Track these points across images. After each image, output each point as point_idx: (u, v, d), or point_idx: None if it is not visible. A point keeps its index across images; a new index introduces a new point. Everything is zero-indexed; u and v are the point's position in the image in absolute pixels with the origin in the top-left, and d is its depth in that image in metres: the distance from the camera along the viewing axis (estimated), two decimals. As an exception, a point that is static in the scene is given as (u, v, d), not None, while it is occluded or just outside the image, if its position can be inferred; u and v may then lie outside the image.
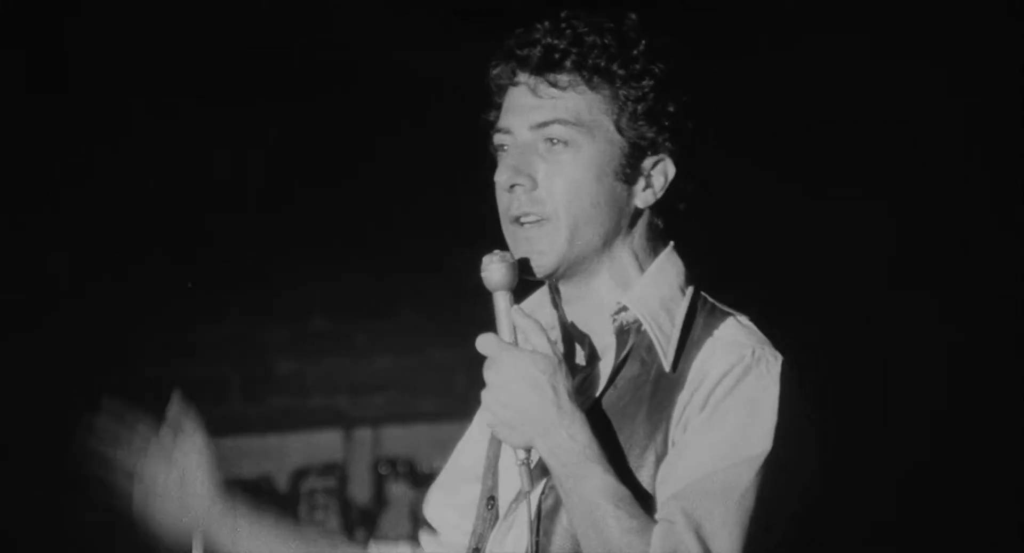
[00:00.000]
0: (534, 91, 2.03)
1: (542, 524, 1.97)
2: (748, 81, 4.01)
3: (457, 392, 4.76)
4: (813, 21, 4.03)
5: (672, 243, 2.10)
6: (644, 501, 1.92)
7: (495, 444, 2.13)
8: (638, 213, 2.05)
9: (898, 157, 4.14)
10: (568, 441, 1.90)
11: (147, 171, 4.85)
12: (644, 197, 2.04)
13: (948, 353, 4.10)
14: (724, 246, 3.71)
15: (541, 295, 2.12)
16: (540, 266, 2.03)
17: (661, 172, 2.04)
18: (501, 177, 2.03)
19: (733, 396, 1.95)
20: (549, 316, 2.11)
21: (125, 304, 4.96)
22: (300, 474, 4.89)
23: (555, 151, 2.02)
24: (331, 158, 4.84)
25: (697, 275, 2.10)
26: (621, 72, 2.01)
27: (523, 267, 2.03)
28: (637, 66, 2.02)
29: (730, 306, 2.08)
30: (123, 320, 4.98)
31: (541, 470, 1.96)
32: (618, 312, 2.02)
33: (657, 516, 1.90)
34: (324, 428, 4.89)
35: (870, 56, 4.03)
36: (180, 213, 4.89)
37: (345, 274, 4.91)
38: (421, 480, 4.77)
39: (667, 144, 2.03)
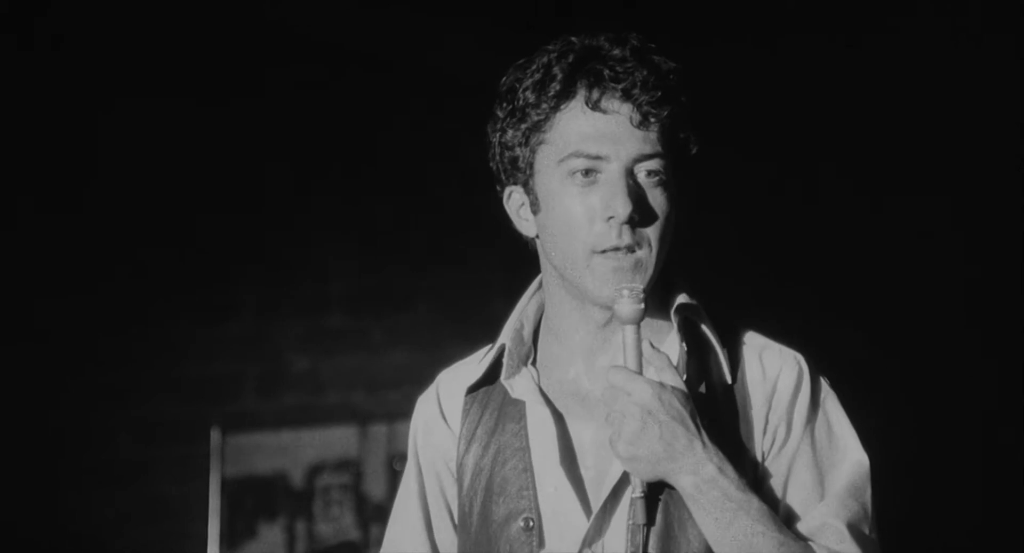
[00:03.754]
0: (631, 120, 2.00)
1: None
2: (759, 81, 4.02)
3: (472, 388, 4.76)
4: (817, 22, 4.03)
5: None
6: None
7: (518, 462, 2.08)
8: None
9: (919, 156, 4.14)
10: (719, 475, 1.89)
11: (163, 169, 4.86)
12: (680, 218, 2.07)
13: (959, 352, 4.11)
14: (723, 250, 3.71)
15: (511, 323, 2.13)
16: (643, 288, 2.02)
17: (684, 191, 2.07)
18: (623, 210, 1.98)
19: (813, 407, 2.00)
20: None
21: (141, 301, 4.97)
22: (315, 470, 4.89)
23: (650, 184, 2.01)
24: (347, 154, 4.85)
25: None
26: (682, 110, 2.03)
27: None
28: (684, 96, 2.04)
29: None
30: (139, 317, 4.98)
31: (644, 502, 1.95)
32: (680, 319, 2.04)
33: (806, 528, 1.94)
34: (339, 424, 4.88)
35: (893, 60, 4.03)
36: (196, 210, 4.89)
37: (361, 270, 4.91)
38: (436, 476, 4.77)
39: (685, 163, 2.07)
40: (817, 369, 2.04)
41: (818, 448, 1.97)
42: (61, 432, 4.98)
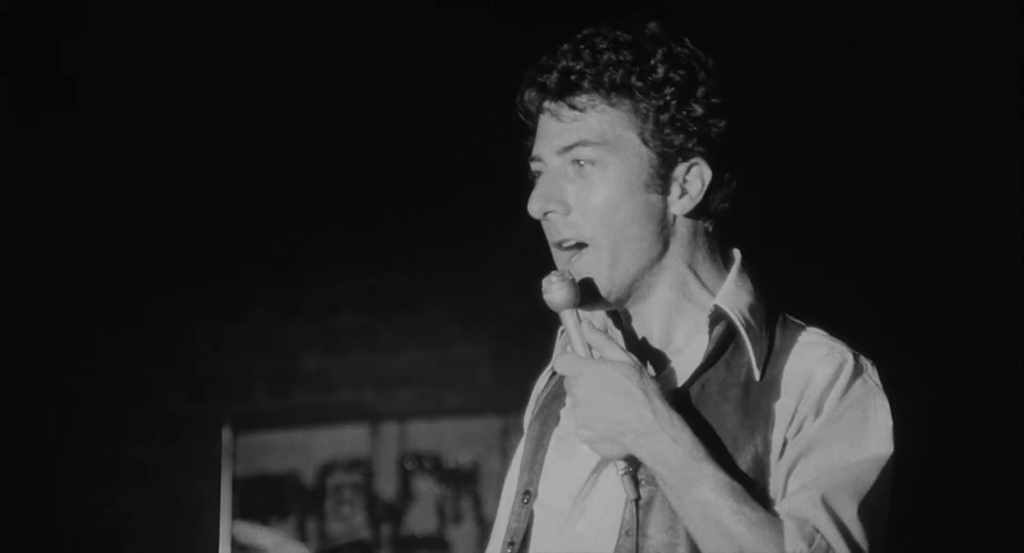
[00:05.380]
0: (557, 116, 2.02)
1: (640, 526, 1.95)
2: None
3: (483, 387, 4.77)
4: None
5: (739, 253, 2.08)
6: (759, 497, 1.92)
7: (533, 441, 2.12)
8: (682, 222, 2.03)
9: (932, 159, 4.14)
10: (673, 445, 1.89)
11: (173, 170, 4.88)
12: (682, 205, 2.02)
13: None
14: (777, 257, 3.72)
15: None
16: (592, 293, 2.01)
17: (697, 176, 2.02)
18: (532, 207, 2.02)
19: (848, 398, 1.96)
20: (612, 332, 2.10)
21: (152, 301, 4.99)
22: (326, 469, 4.89)
23: (584, 173, 2.00)
24: (358, 155, 4.85)
25: (767, 286, 2.08)
26: (639, 84, 1.99)
27: (592, 294, 2.01)
28: (655, 76, 1.99)
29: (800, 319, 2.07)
30: (151, 317, 5.00)
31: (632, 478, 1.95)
32: (712, 313, 2.00)
33: (785, 507, 1.90)
34: (350, 423, 4.89)
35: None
36: (206, 210, 4.91)
37: (371, 270, 4.92)
38: (447, 475, 4.77)
39: (698, 148, 2.01)
40: (874, 371, 2.00)
41: (839, 441, 1.93)
42: (73, 431, 5.00)
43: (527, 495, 2.07)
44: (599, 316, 2.10)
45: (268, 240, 4.96)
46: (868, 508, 1.91)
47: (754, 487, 1.92)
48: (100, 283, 4.99)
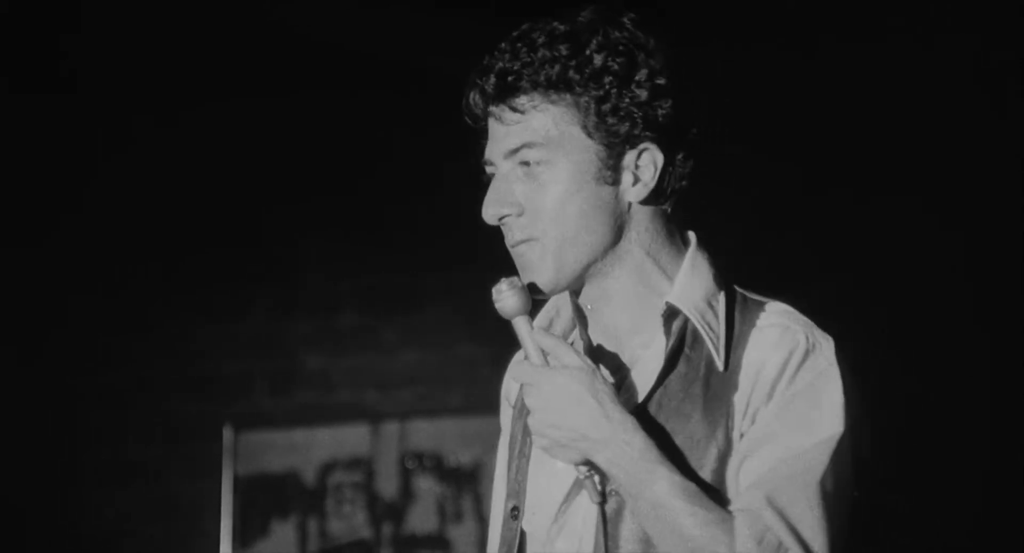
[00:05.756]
0: (500, 119, 2.00)
1: (609, 531, 1.95)
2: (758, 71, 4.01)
3: (483, 386, 4.77)
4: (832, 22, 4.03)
5: (695, 236, 2.06)
6: (712, 495, 1.91)
7: (516, 452, 2.12)
8: (638, 208, 2.00)
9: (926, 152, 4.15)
10: (626, 448, 1.89)
11: (173, 169, 4.88)
12: (636, 192, 1.99)
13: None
14: (739, 231, 3.72)
15: (545, 313, 2.10)
16: (540, 284, 2.01)
17: (649, 162, 1.98)
18: (486, 213, 2.02)
19: (797, 382, 1.93)
20: (571, 332, 2.10)
21: (154, 300, 4.99)
22: (327, 468, 4.90)
23: (533, 173, 1.99)
24: (358, 155, 4.85)
25: (723, 266, 2.06)
26: (577, 77, 1.96)
27: (532, 290, 2.01)
28: (592, 67, 1.96)
29: (760, 294, 2.05)
30: (151, 316, 5.00)
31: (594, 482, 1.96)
32: (665, 312, 1.99)
33: (737, 505, 1.90)
34: (351, 422, 4.90)
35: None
36: (206, 210, 4.91)
37: (372, 269, 4.92)
38: (448, 474, 4.77)
39: (646, 133, 1.97)
40: (828, 347, 1.97)
41: (788, 431, 1.91)
42: (73, 431, 5.00)
43: (515, 510, 2.08)
44: (566, 314, 2.09)
45: (268, 240, 4.96)
46: (821, 494, 1.89)
47: (720, 485, 1.92)
48: (100, 283, 4.99)
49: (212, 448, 4.89)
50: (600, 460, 1.91)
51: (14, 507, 4.87)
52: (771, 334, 1.97)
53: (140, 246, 4.95)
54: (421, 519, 4.80)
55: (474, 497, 4.75)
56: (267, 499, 4.90)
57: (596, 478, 1.94)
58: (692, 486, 1.89)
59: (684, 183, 2.01)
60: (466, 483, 4.74)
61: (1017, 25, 3.77)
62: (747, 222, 3.99)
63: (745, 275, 2.09)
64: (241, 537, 4.87)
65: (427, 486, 4.81)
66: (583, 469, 1.94)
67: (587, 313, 2.06)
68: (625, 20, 1.99)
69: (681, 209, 2.04)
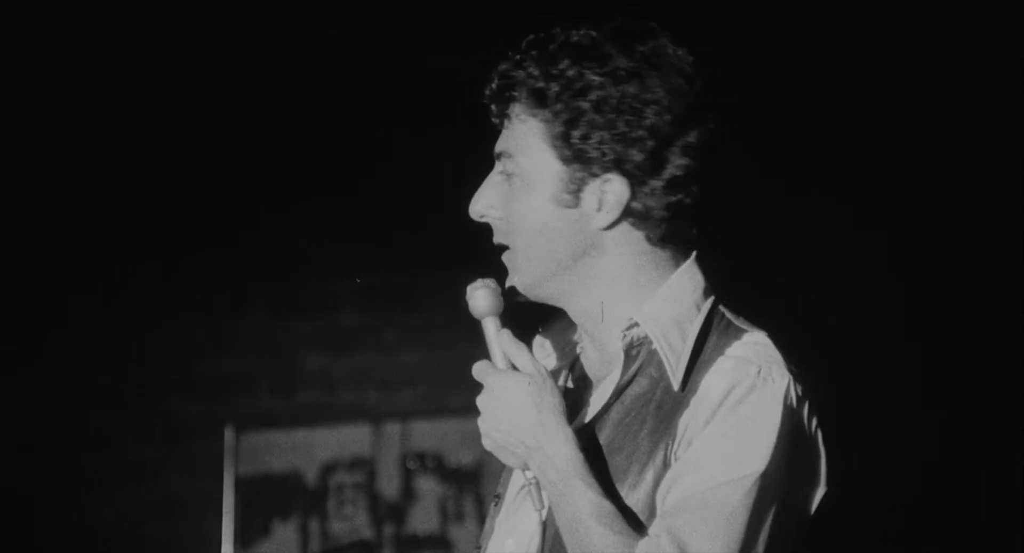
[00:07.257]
0: (500, 123, 2.03)
1: (547, 539, 1.96)
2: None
3: (484, 387, 4.77)
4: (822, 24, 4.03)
5: (694, 255, 2.02)
6: (633, 518, 1.89)
7: None
8: (610, 234, 1.97)
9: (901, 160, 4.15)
10: (550, 460, 1.90)
11: (172, 170, 4.88)
12: (600, 219, 1.96)
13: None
14: (743, 254, 3.73)
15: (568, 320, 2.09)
16: (518, 288, 2.03)
17: (611, 191, 1.95)
18: (471, 209, 2.06)
19: (735, 415, 1.89)
20: (567, 340, 2.11)
21: (155, 300, 4.99)
22: (329, 469, 4.90)
23: (509, 181, 2.01)
24: (358, 155, 4.85)
25: (718, 287, 2.02)
26: (555, 95, 1.95)
27: (512, 292, 2.03)
28: (574, 88, 1.94)
29: (750, 319, 2.01)
30: (153, 316, 5.00)
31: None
32: (629, 328, 1.97)
33: (649, 530, 1.88)
34: (353, 423, 4.90)
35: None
36: (206, 210, 4.91)
37: (371, 270, 4.93)
38: (449, 474, 4.78)
39: (617, 165, 1.94)
40: (784, 385, 1.91)
41: (712, 463, 1.87)
42: (73, 431, 5.00)
43: (497, 498, 2.09)
44: (570, 329, 2.09)
45: (268, 240, 4.96)
46: (728, 530, 1.86)
47: (650, 506, 1.90)
48: (100, 283, 4.99)
49: (213, 448, 4.90)
50: (532, 466, 1.93)
51: (14, 507, 4.87)
52: (726, 363, 1.93)
53: (140, 246, 4.95)
54: (423, 520, 4.80)
55: (476, 497, 4.76)
56: (268, 500, 4.90)
57: (535, 484, 1.95)
58: (609, 506, 1.88)
59: (667, 213, 1.96)
60: (468, 483, 4.75)
61: (1017, 25, 3.77)
62: (747, 223, 4.00)
63: (745, 278, 2.08)
64: (242, 538, 4.87)
65: (429, 486, 4.81)
66: (528, 475, 1.95)
67: (579, 327, 2.07)
68: (640, 47, 1.96)
69: (676, 233, 1.99)
